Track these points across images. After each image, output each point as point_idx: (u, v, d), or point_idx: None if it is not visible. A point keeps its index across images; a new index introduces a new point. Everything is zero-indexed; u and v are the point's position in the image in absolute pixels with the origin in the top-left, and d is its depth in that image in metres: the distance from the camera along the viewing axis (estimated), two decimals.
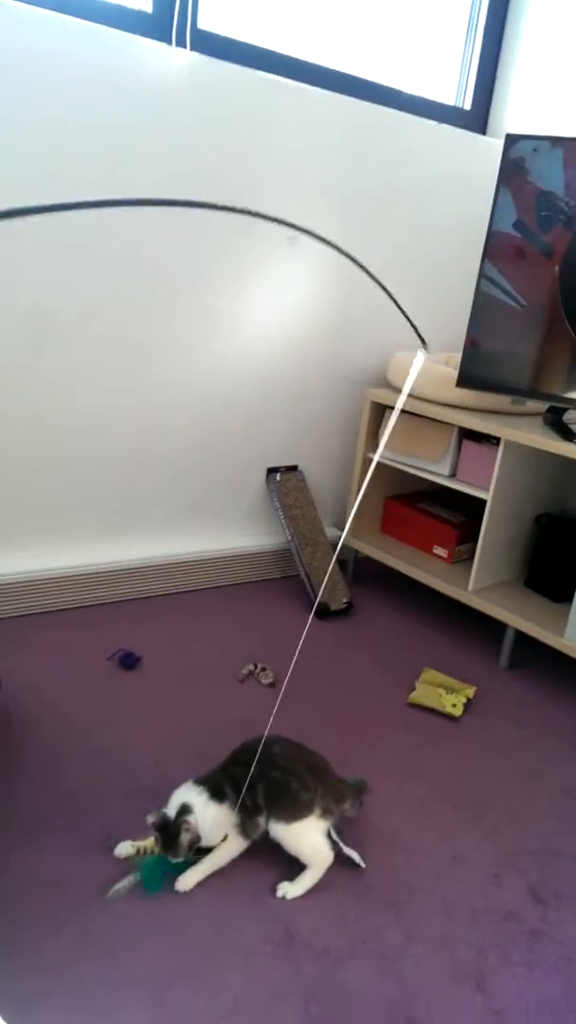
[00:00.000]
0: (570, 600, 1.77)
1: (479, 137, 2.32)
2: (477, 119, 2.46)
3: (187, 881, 1.17)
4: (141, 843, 1.20)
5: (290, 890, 1.18)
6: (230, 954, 1.08)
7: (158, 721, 1.56)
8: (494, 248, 1.81)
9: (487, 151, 2.25)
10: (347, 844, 1.26)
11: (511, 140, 1.76)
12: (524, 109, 2.37)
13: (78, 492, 1.94)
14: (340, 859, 1.24)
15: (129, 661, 1.71)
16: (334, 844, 1.24)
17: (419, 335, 0.85)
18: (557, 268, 1.75)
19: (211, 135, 1.81)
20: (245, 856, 1.22)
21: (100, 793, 1.34)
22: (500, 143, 1.79)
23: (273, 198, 1.96)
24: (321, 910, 1.17)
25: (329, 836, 1.24)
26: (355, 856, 1.24)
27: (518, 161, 1.75)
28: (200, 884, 1.18)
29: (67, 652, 1.76)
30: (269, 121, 1.88)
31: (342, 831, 1.28)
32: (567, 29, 2.22)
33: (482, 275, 1.84)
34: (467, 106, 2.44)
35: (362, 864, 1.24)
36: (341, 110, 1.99)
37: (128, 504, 2.03)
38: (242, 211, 0.71)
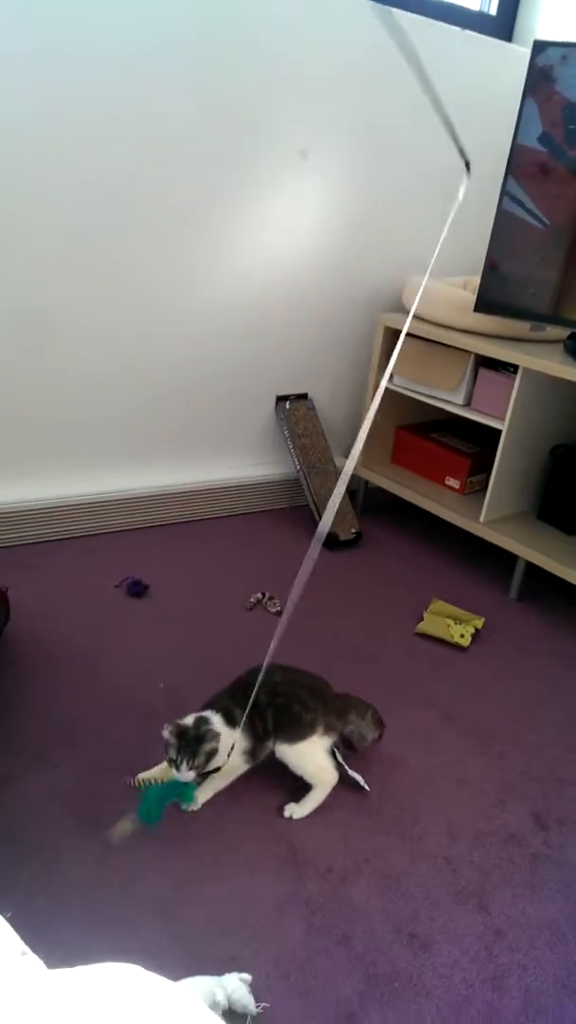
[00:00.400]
0: None
1: (505, 44, 2.16)
2: (503, 26, 2.29)
3: (198, 799, 1.18)
4: (150, 774, 1.20)
5: (296, 810, 1.20)
6: (237, 869, 1.10)
7: (166, 647, 1.56)
8: (518, 164, 1.70)
9: (513, 59, 2.09)
10: (352, 768, 1.27)
11: (539, 47, 1.63)
12: (553, 15, 2.20)
13: (87, 420, 1.90)
14: (345, 782, 1.26)
15: (137, 589, 1.70)
16: (339, 767, 1.26)
17: (464, 157, 0.78)
18: None
19: (215, 39, 1.69)
20: (251, 778, 1.23)
21: (110, 716, 1.35)
22: (527, 51, 1.66)
23: (287, 111, 1.84)
24: (326, 830, 1.18)
25: (334, 757, 1.25)
26: (360, 780, 1.26)
27: (546, 70, 1.63)
28: (209, 806, 1.19)
29: (76, 580, 1.76)
30: (283, 21, 1.75)
31: (347, 755, 1.29)
32: None
33: (504, 193, 1.74)
34: (493, 11, 2.26)
35: (367, 787, 1.26)
36: (361, 11, 1.84)
37: (137, 432, 1.99)
38: None
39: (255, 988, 0.92)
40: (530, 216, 1.73)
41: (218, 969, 0.92)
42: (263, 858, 1.12)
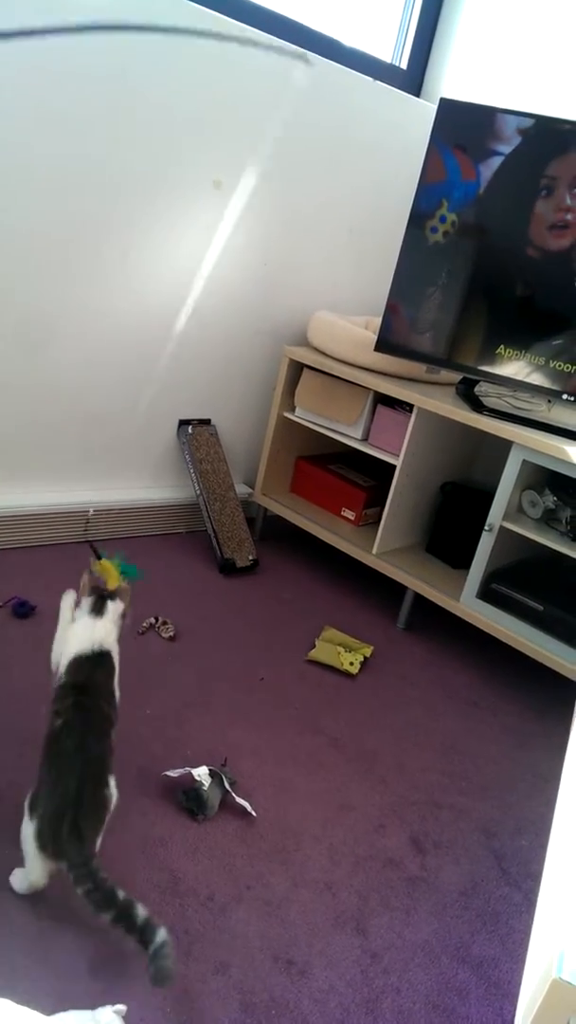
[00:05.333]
0: (468, 566, 1.83)
1: (413, 98, 2.29)
2: (413, 79, 2.43)
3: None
4: None
5: None
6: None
7: (48, 669, 1.51)
8: (420, 213, 1.80)
9: (421, 112, 2.24)
10: (239, 795, 1.27)
11: (445, 104, 1.74)
12: (459, 74, 2.36)
13: None
14: (231, 808, 1.25)
15: (23, 609, 1.64)
16: (226, 794, 1.25)
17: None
18: (477, 241, 1.77)
19: (137, 68, 1.71)
20: (130, 807, 1.20)
21: None
22: (434, 106, 1.77)
23: (202, 141, 1.88)
24: (210, 859, 1.17)
25: (222, 786, 1.25)
26: (247, 805, 1.26)
27: (450, 127, 1.75)
28: None
29: None
30: (201, 56, 1.79)
31: (235, 782, 1.29)
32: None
33: (407, 240, 1.83)
34: (404, 65, 2.40)
35: (253, 813, 1.26)
36: (274, 61, 1.91)
37: (33, 447, 1.94)
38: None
39: (130, 1020, 0.89)
40: (430, 264, 1.83)
41: (92, 1002, 0.89)
42: (144, 888, 1.10)
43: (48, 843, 0.99)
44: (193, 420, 2.21)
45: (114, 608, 1.22)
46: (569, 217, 1.65)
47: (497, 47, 2.26)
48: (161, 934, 0.91)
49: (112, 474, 2.13)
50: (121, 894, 0.94)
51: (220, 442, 2.25)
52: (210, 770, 1.25)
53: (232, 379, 2.25)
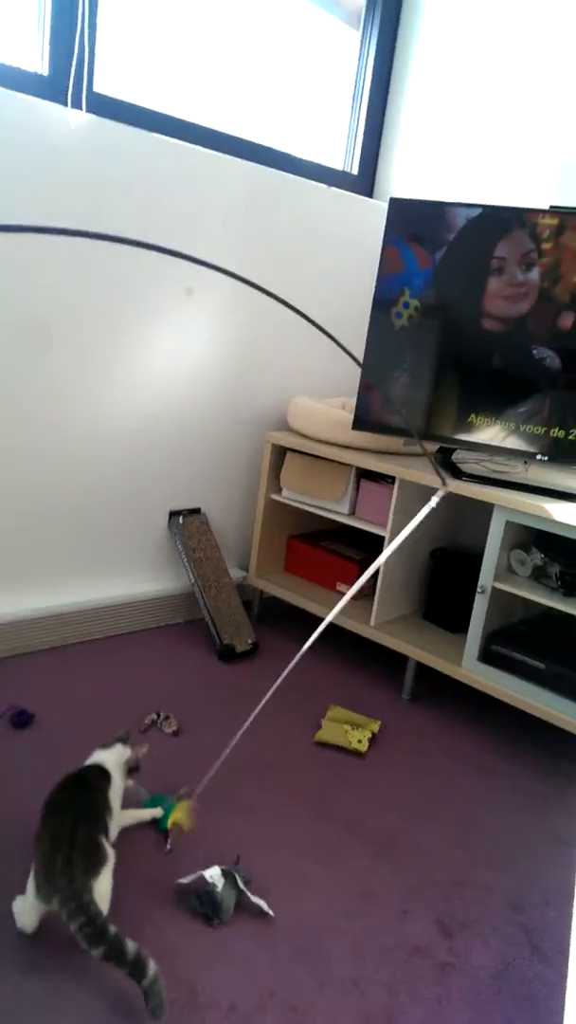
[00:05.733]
0: (466, 630, 1.84)
1: (367, 200, 2.45)
2: (365, 183, 2.59)
3: None
4: None
5: None
6: (135, 1021, 1.03)
7: (53, 779, 1.49)
8: (384, 301, 1.90)
9: (375, 212, 2.38)
10: (255, 893, 1.23)
11: (395, 203, 1.86)
12: (407, 172, 2.52)
13: None
14: (247, 909, 1.22)
15: (21, 719, 1.63)
16: (241, 894, 1.22)
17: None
18: (441, 320, 1.85)
19: (108, 195, 1.83)
20: (145, 922, 1.17)
21: None
22: (385, 204, 1.90)
23: (179, 249, 1.98)
24: (228, 965, 1.14)
25: (237, 886, 1.22)
26: (263, 905, 1.22)
27: (402, 222, 1.86)
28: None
29: None
30: (167, 182, 1.92)
31: (249, 880, 1.25)
32: (444, 100, 2.40)
33: (373, 325, 1.92)
34: (355, 170, 2.57)
35: (270, 912, 1.22)
36: (238, 173, 2.06)
37: (24, 551, 1.97)
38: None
39: None
40: (397, 345, 1.91)
41: None
42: None
43: (42, 883, 1.04)
44: (183, 510, 2.25)
45: (120, 750, 1.33)
46: (523, 291, 1.74)
47: (439, 144, 2.42)
48: (152, 967, 0.98)
49: (107, 571, 2.15)
50: (112, 929, 0.98)
51: (211, 529, 2.29)
52: (223, 870, 1.22)
53: (219, 467, 2.31)
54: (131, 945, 0.99)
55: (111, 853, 1.13)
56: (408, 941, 1.23)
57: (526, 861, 1.45)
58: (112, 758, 1.30)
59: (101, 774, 1.26)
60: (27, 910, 1.10)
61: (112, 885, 1.11)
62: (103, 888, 1.08)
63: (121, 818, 1.28)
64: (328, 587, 2.25)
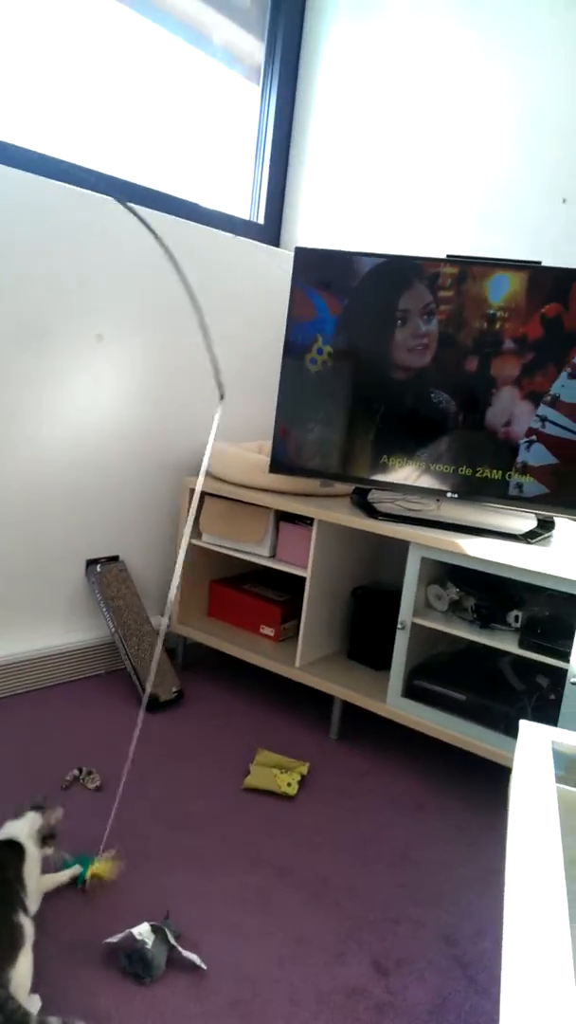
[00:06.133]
0: (389, 667, 1.87)
1: (273, 248, 2.54)
2: (271, 231, 2.70)
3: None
4: None
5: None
6: None
7: None
8: (296, 347, 1.96)
9: (281, 260, 2.48)
10: (186, 947, 1.19)
11: (300, 252, 1.95)
12: (313, 222, 2.65)
13: None
14: (179, 964, 1.17)
15: None
16: (172, 949, 1.17)
17: (219, 383, 0.92)
18: (352, 366, 1.93)
19: (9, 238, 1.83)
20: (71, 986, 1.11)
21: None
22: (291, 253, 1.98)
23: (81, 300, 2.00)
24: None
25: (167, 941, 1.17)
26: (195, 959, 1.18)
27: (309, 270, 1.94)
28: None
29: None
30: (71, 228, 1.94)
31: (180, 934, 1.21)
32: (344, 150, 2.54)
33: (285, 370, 1.98)
34: (261, 220, 2.67)
35: (203, 966, 1.18)
36: (141, 225, 2.10)
37: None
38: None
39: None
40: (310, 389, 1.97)
41: None
42: None
43: None
44: (101, 558, 2.21)
45: (33, 818, 1.26)
46: (425, 341, 1.84)
47: (343, 192, 2.56)
48: None
49: (23, 623, 2.07)
50: (35, 1020, 0.93)
51: (131, 576, 2.25)
52: (152, 926, 1.18)
53: (136, 514, 2.29)
54: None
55: (29, 930, 1.07)
56: (345, 983, 1.21)
57: (459, 895, 1.46)
58: (25, 829, 1.23)
59: (10, 849, 1.19)
60: None
61: (31, 960, 1.05)
62: (22, 972, 1.01)
63: (41, 885, 1.22)
64: (252, 631, 2.25)
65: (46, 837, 1.25)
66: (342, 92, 2.53)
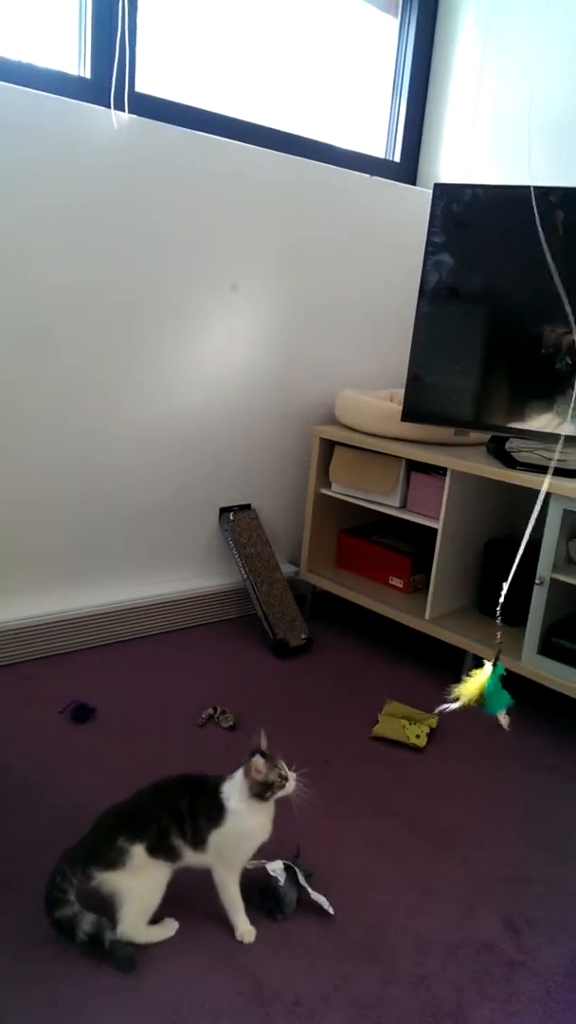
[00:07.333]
0: (524, 623, 1.79)
1: (410, 187, 2.41)
2: (407, 170, 2.56)
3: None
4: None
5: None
6: (199, 1014, 1.03)
7: (114, 773, 1.51)
8: (428, 288, 1.86)
9: (419, 198, 2.34)
10: (316, 888, 1.22)
11: (439, 189, 1.83)
12: (450, 159, 2.48)
13: (26, 539, 1.90)
14: (308, 906, 1.21)
15: (82, 713, 1.66)
16: (301, 889, 1.21)
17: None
18: (487, 307, 1.81)
19: (153, 192, 1.84)
20: (205, 915, 1.17)
21: (55, 851, 1.28)
22: (429, 192, 1.86)
23: (217, 250, 1.99)
24: (292, 960, 1.13)
25: (296, 882, 1.21)
26: (323, 902, 1.21)
27: (446, 208, 1.82)
28: (161, 948, 1.12)
29: (16, 707, 1.70)
30: (210, 178, 1.93)
31: (310, 875, 1.24)
32: (484, 85, 2.34)
33: (419, 314, 1.89)
34: (396, 158, 2.54)
35: (331, 911, 1.21)
36: (278, 166, 2.05)
37: (79, 551, 2.00)
38: None
39: None
40: (445, 333, 1.88)
41: None
42: (227, 998, 1.06)
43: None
44: (233, 506, 2.26)
45: (239, 778, 1.20)
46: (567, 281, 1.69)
47: (484, 128, 2.37)
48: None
49: (160, 568, 2.17)
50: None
51: (262, 525, 2.29)
52: (284, 864, 1.21)
53: (267, 463, 2.31)
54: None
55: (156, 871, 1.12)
56: (474, 938, 1.20)
57: None
58: (234, 793, 1.17)
59: (206, 803, 1.16)
60: None
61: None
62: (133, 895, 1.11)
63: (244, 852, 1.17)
64: (381, 582, 2.23)
65: (264, 784, 1.15)
66: (487, 19, 2.31)
